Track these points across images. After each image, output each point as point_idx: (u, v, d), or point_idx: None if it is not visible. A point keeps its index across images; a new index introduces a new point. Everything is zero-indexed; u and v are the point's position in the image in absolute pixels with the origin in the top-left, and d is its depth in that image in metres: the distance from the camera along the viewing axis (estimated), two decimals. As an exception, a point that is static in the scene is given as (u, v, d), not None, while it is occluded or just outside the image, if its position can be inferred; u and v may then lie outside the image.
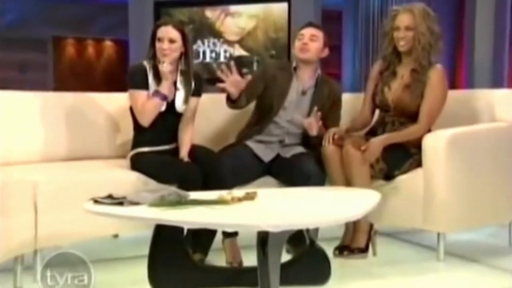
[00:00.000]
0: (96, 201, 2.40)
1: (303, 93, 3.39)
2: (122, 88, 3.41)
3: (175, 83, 3.18)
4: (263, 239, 2.16)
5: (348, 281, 2.85)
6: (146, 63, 3.16)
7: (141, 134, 3.20)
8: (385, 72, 3.37)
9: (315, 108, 3.26)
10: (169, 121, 3.20)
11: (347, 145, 3.14)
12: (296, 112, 3.36)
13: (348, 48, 8.61)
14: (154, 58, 3.14)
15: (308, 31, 3.38)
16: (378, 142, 3.13)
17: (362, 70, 7.93)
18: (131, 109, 3.21)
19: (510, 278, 3.00)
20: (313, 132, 3.25)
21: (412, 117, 3.27)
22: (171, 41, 3.09)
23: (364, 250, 3.18)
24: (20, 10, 10.48)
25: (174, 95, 3.17)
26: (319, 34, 3.39)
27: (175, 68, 3.17)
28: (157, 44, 3.11)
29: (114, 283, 2.80)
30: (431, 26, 3.23)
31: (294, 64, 3.43)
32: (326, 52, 3.43)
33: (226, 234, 3.02)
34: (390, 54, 3.34)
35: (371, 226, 3.21)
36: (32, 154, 3.25)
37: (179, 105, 3.18)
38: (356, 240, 3.18)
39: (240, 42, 8.01)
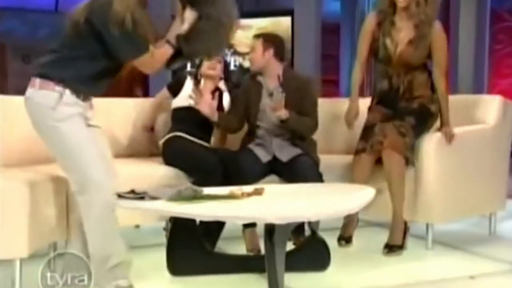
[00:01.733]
0: (120, 196, 2.37)
1: (270, 94, 3.21)
2: (144, 95, 3.40)
3: (217, 89, 3.29)
4: (270, 230, 2.14)
5: (346, 267, 2.82)
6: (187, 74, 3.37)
7: (179, 124, 3.23)
8: (384, 23, 3.16)
9: (274, 92, 3.17)
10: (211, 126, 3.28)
11: (387, 148, 3.02)
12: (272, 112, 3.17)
13: (345, 57, 8.59)
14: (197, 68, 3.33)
15: (250, 45, 3.30)
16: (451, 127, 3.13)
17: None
18: (173, 110, 3.33)
19: (490, 263, 2.99)
20: (281, 116, 3.07)
21: (414, 68, 3.15)
22: None
23: (401, 246, 3.07)
24: (53, 24, 10.48)
25: (221, 99, 3.28)
26: (256, 43, 3.21)
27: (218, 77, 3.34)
28: None
29: (136, 268, 2.77)
30: None
31: (252, 73, 3.31)
32: (270, 52, 3.19)
33: (245, 225, 2.98)
34: (387, 8, 3.14)
35: (405, 223, 3.12)
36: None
37: (226, 104, 3.27)
38: (393, 238, 3.08)
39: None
